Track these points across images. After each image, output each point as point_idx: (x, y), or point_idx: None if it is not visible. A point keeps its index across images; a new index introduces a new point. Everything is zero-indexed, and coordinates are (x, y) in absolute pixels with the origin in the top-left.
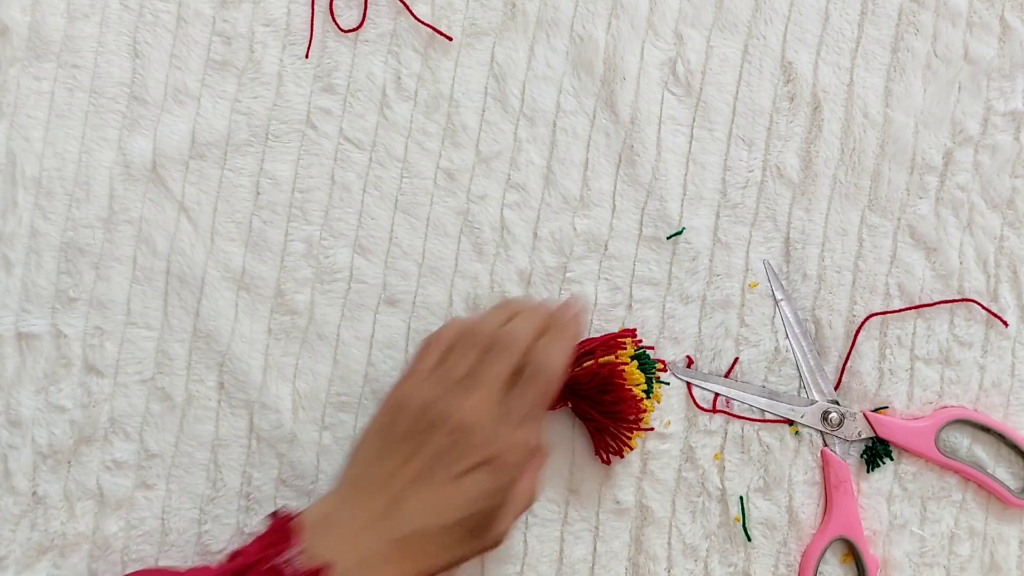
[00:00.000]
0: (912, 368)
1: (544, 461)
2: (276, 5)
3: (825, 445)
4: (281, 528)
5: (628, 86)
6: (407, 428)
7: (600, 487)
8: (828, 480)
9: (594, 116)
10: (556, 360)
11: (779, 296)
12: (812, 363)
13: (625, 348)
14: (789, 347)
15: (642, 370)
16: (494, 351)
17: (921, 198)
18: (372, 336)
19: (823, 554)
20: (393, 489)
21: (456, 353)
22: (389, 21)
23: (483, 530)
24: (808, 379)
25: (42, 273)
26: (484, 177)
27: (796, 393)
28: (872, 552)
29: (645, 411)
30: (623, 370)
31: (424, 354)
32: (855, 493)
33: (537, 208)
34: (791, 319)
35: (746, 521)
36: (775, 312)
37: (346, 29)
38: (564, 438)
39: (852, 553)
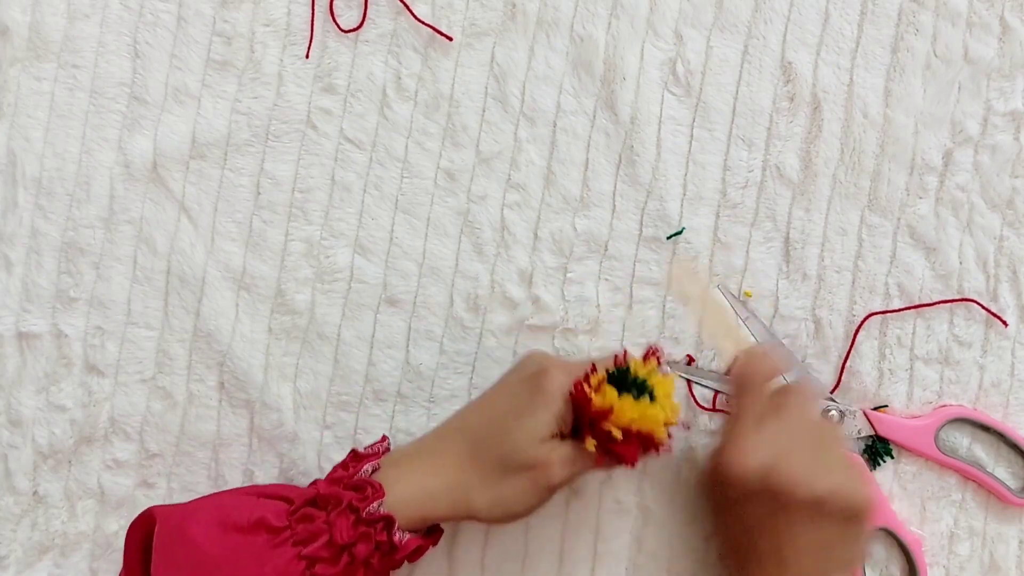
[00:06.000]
0: (912, 368)
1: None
2: (276, 5)
3: None
4: (365, 477)
5: (628, 86)
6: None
7: (600, 487)
8: None
9: (594, 116)
10: None
11: (744, 315)
12: (797, 370)
13: (591, 384)
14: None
15: (617, 385)
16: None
17: (921, 198)
18: (373, 336)
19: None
20: (467, 480)
21: None
22: (389, 21)
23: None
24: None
25: (42, 273)
26: (484, 177)
27: None
28: (913, 531)
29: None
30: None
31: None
32: (874, 480)
33: (537, 208)
34: (763, 334)
35: None
36: (774, 312)
37: (346, 29)
38: None
39: (893, 538)
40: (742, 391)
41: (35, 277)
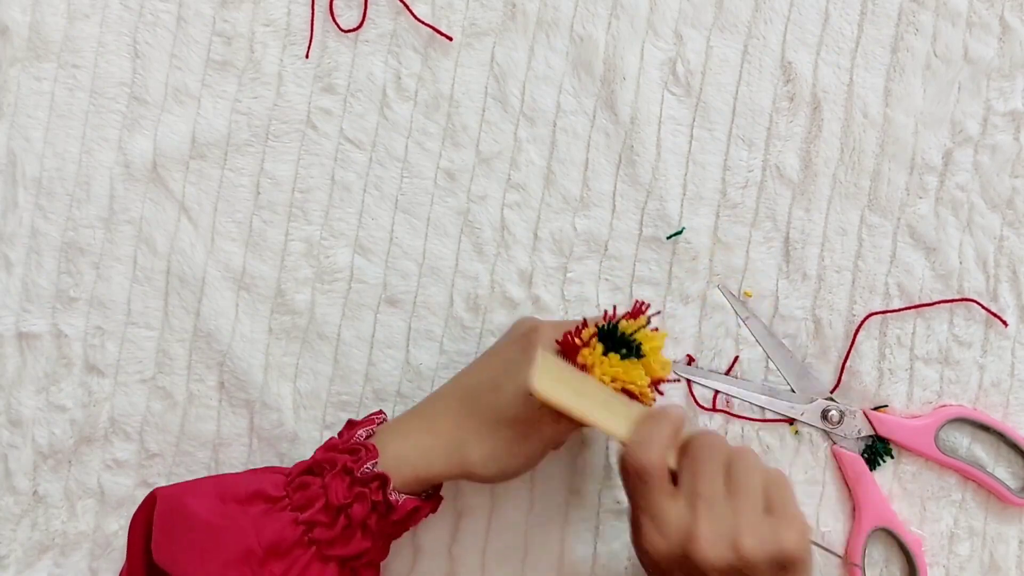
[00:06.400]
0: (912, 368)
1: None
2: (276, 5)
3: (834, 444)
4: (359, 440)
5: (628, 86)
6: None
7: (600, 487)
8: (847, 476)
9: (594, 116)
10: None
11: (744, 315)
12: (797, 370)
13: (582, 337)
14: (771, 361)
15: (607, 342)
16: None
17: (921, 198)
18: (372, 336)
19: (865, 549)
20: (462, 435)
21: None
22: (389, 21)
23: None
24: (797, 387)
25: (42, 273)
26: (484, 177)
27: (793, 391)
28: (913, 531)
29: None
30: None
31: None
32: (875, 481)
33: (537, 208)
34: (763, 333)
35: None
36: (774, 312)
37: (346, 29)
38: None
39: (893, 538)
40: (636, 482)
41: (35, 277)
